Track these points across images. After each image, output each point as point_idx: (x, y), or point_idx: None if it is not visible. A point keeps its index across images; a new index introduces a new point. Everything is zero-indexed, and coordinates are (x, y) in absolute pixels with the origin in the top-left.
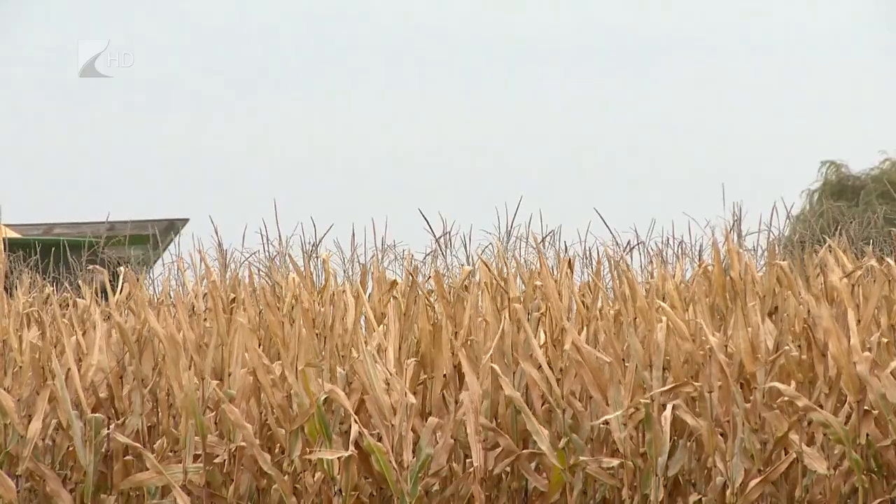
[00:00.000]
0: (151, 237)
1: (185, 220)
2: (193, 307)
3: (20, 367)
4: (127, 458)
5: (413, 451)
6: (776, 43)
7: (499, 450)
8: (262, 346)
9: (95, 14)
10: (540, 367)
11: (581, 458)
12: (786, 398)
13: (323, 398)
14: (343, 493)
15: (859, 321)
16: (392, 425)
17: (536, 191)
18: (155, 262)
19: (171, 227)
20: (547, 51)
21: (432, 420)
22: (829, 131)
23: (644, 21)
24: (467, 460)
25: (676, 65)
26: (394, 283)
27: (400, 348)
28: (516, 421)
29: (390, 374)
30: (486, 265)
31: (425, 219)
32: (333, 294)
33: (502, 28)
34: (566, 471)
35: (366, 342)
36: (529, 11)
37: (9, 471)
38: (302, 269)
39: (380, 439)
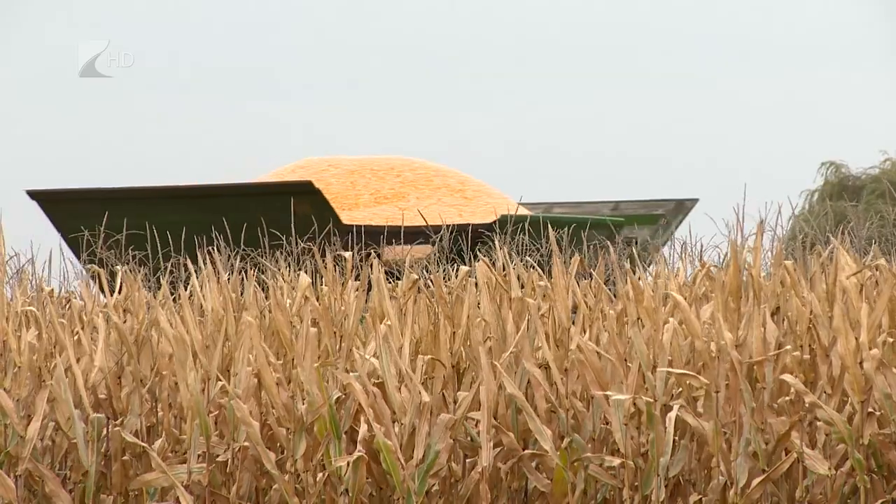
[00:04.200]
0: (661, 218)
1: (695, 201)
2: (201, 307)
3: (19, 367)
4: (125, 458)
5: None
6: (776, 43)
7: (499, 449)
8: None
9: (95, 14)
10: (542, 366)
11: (585, 455)
12: (787, 398)
13: (335, 397)
14: (350, 494)
15: (872, 321)
16: (402, 423)
17: (537, 193)
18: (665, 242)
19: (681, 208)
20: (547, 51)
21: (443, 416)
22: (829, 131)
23: (644, 21)
24: (467, 460)
25: (677, 64)
26: (415, 281)
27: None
28: (517, 421)
29: (406, 371)
30: (487, 264)
31: (424, 218)
32: (342, 293)
33: (503, 28)
34: (568, 470)
35: (382, 340)
36: (530, 12)
37: (8, 471)
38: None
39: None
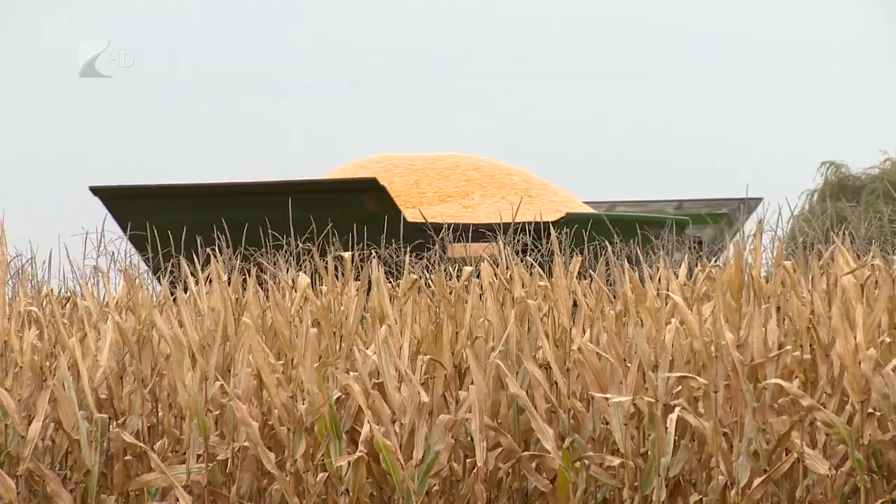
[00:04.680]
0: (726, 216)
1: (759, 200)
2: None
3: (20, 367)
4: (126, 458)
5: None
6: (776, 42)
7: (500, 450)
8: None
9: (95, 14)
10: (543, 366)
11: (587, 454)
12: (787, 397)
13: (335, 397)
14: (351, 494)
15: (869, 321)
16: (402, 423)
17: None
18: (729, 241)
19: (745, 207)
20: (547, 51)
21: (443, 417)
22: (829, 131)
23: (644, 21)
24: (468, 460)
25: (677, 64)
26: (415, 281)
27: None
28: (518, 421)
29: (405, 372)
30: (491, 264)
31: (423, 217)
32: (341, 293)
33: (503, 28)
34: (569, 469)
35: (381, 340)
36: (530, 12)
37: (9, 471)
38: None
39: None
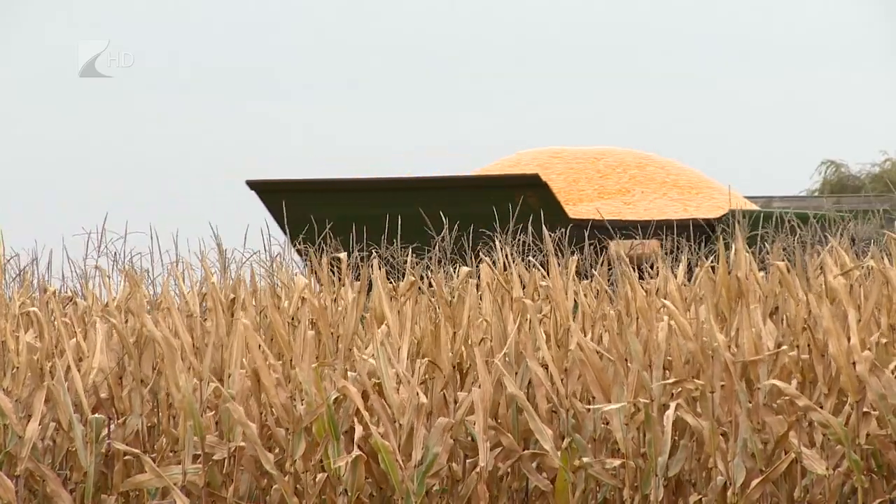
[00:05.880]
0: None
1: None
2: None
3: (17, 367)
4: (127, 458)
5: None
6: (776, 42)
7: (500, 449)
8: (262, 348)
9: (95, 14)
10: (544, 365)
11: (584, 459)
12: (786, 398)
13: (333, 398)
14: (349, 494)
15: (859, 321)
16: (400, 424)
17: None
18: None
19: None
20: (547, 51)
21: (442, 420)
22: (829, 131)
23: (644, 21)
24: (468, 461)
25: (677, 64)
26: (412, 283)
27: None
28: (517, 421)
29: (403, 373)
30: (489, 265)
31: (424, 216)
32: (337, 294)
33: (503, 28)
34: (568, 470)
35: (380, 342)
36: (530, 12)
37: (8, 471)
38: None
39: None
